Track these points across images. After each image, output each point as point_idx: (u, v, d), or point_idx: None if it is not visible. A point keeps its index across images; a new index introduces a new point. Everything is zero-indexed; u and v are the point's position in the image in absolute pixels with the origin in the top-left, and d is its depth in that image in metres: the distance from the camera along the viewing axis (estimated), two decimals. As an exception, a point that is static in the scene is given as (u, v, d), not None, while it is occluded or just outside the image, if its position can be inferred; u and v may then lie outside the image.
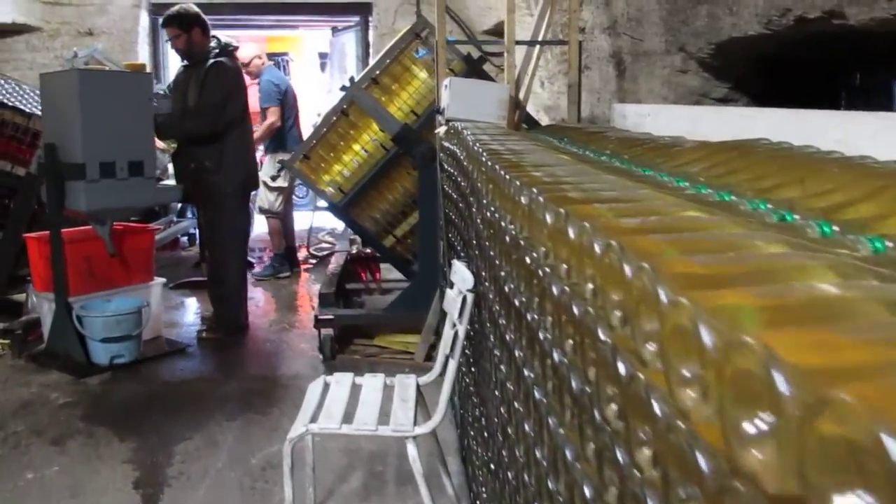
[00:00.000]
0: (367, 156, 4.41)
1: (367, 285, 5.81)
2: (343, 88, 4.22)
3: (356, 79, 4.28)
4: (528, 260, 1.19)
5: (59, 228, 3.98)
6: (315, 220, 7.61)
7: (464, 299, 2.23)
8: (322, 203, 5.22)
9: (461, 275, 2.31)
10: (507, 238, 1.38)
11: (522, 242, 1.24)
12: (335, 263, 5.40)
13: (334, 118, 4.33)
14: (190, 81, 4.46)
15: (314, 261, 7.15)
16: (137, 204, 4.13)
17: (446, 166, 3.23)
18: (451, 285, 2.46)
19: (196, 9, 4.55)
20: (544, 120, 5.19)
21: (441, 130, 3.57)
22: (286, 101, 6.21)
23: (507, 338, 1.48)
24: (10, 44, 7.55)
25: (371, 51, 8.13)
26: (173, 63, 4.98)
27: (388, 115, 4.27)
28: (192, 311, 5.45)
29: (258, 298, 5.78)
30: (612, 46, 4.12)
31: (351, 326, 4.41)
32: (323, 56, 10.57)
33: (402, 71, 4.46)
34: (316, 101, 9.79)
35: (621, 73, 4.10)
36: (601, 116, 4.25)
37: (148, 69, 7.51)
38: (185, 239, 7.93)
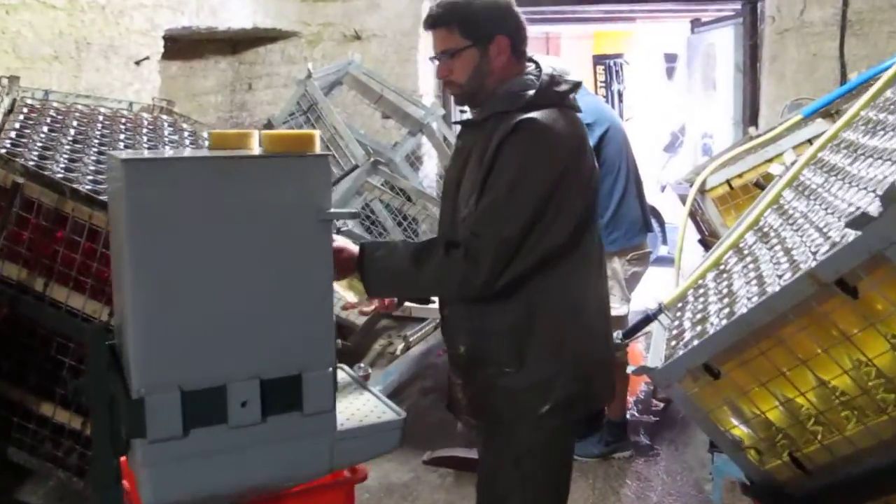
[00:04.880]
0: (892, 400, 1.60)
1: None
2: (854, 224, 1.47)
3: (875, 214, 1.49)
4: None
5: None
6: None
7: None
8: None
9: None
10: None
11: None
12: None
13: (805, 297, 1.58)
14: (470, 158, 1.92)
15: (659, 406, 4.33)
16: (287, 479, 1.68)
17: None
18: None
19: None
20: None
21: None
22: (607, 153, 3.50)
23: None
24: (264, 54, 5.73)
25: (762, 55, 5.17)
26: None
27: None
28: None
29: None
30: None
31: None
32: (670, 59, 7.73)
33: None
34: (658, 125, 7.05)
35: None
36: None
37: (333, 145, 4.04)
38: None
